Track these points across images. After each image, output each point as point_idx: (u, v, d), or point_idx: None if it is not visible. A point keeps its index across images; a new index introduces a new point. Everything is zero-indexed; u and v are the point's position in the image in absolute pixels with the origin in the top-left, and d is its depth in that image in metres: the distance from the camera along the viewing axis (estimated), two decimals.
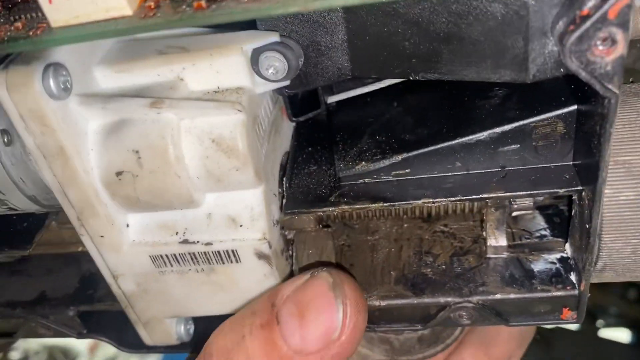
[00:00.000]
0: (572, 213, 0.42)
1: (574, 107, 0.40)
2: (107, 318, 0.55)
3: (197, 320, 0.52)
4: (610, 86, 0.31)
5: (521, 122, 0.41)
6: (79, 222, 0.41)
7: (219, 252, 0.42)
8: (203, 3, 0.31)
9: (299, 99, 0.50)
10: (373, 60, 0.40)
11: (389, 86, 0.49)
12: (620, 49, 0.29)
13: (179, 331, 0.50)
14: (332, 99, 0.51)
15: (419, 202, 0.42)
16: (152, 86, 0.40)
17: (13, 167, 0.41)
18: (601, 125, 0.33)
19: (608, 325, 1.54)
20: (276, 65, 0.39)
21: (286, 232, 0.47)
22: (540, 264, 0.45)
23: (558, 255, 0.46)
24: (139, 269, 0.44)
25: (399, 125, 0.46)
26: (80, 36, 0.32)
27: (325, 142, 0.49)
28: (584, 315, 0.44)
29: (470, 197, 0.42)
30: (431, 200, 0.42)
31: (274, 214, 0.44)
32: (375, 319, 0.47)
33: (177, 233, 0.43)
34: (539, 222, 0.48)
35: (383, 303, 0.45)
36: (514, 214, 0.48)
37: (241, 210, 0.42)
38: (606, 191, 0.38)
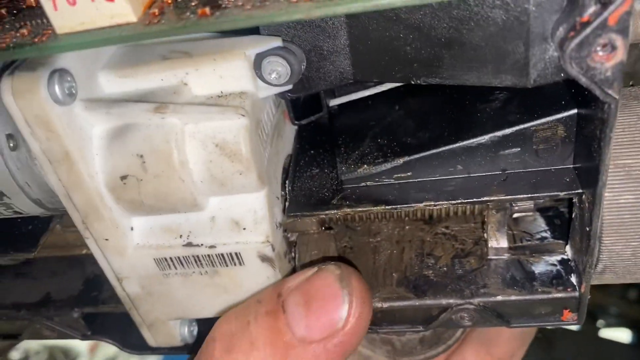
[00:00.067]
0: (573, 216, 0.42)
1: (574, 111, 0.40)
2: (111, 320, 0.56)
3: (200, 322, 0.52)
4: (610, 91, 0.31)
5: (522, 126, 0.41)
6: (83, 225, 0.42)
7: (222, 254, 0.43)
8: (207, 10, 0.31)
9: (301, 103, 0.50)
10: (375, 65, 0.41)
11: (390, 90, 0.49)
12: (620, 55, 0.30)
13: (183, 333, 0.50)
14: (334, 103, 0.51)
15: (421, 205, 0.43)
16: (155, 91, 0.40)
17: (19, 172, 0.41)
18: (601, 129, 0.34)
19: (609, 325, 1.55)
20: (279, 69, 0.40)
21: (289, 235, 0.48)
22: (541, 266, 0.46)
23: (559, 257, 0.46)
24: (143, 271, 0.45)
25: (400, 128, 0.46)
26: (86, 43, 0.33)
27: (327, 145, 0.50)
28: (585, 317, 0.45)
29: (471, 200, 0.42)
30: (433, 203, 0.43)
31: (276, 216, 0.44)
32: (377, 320, 0.47)
33: (181, 236, 0.43)
34: (540, 224, 0.49)
35: (385, 305, 0.46)
36: (515, 215, 0.48)
37: (244, 214, 0.42)
38: (606, 194, 0.38)
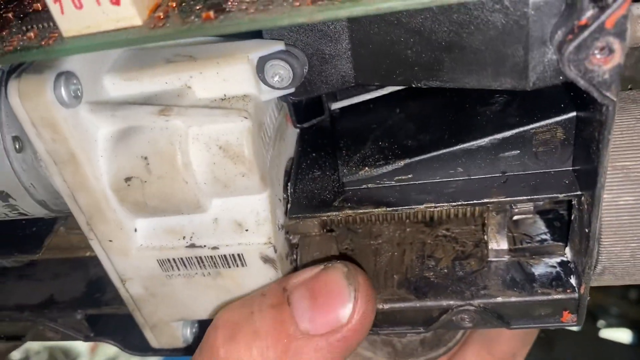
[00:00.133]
0: (572, 217, 0.43)
1: (573, 113, 0.40)
2: (113, 321, 0.56)
3: (203, 323, 0.52)
4: (608, 94, 0.31)
5: (521, 129, 0.42)
6: (88, 227, 0.42)
7: (225, 256, 0.43)
8: (211, 14, 0.32)
9: (303, 106, 0.50)
10: (376, 68, 0.41)
11: (391, 93, 0.50)
12: (618, 57, 0.30)
13: (185, 334, 0.51)
14: (336, 106, 0.52)
15: (422, 206, 0.43)
16: (160, 94, 0.41)
17: (24, 173, 0.41)
18: (599, 131, 0.34)
19: (609, 325, 1.54)
20: (281, 73, 0.40)
21: (291, 237, 0.48)
22: (540, 268, 0.46)
23: (558, 259, 0.46)
24: (146, 273, 0.45)
25: (401, 131, 0.47)
26: (92, 46, 0.33)
27: (328, 148, 0.50)
28: (584, 318, 0.45)
29: (471, 201, 0.43)
30: (433, 205, 0.43)
31: (279, 218, 0.45)
32: (378, 322, 0.47)
33: (184, 237, 0.43)
34: (540, 227, 0.49)
35: (386, 306, 0.46)
36: (515, 217, 0.49)
37: (247, 215, 0.43)
38: (605, 196, 0.39)
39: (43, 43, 0.34)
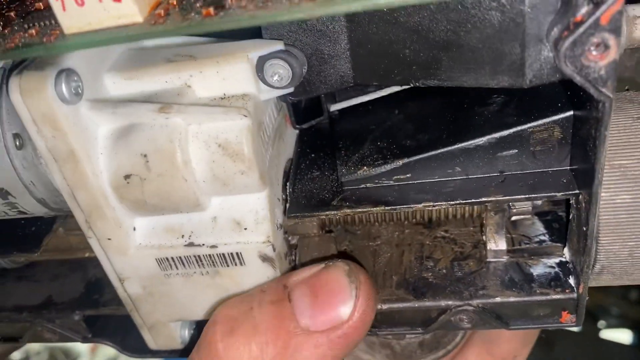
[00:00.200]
0: (570, 216, 0.43)
1: (570, 112, 0.41)
2: (112, 323, 0.56)
3: (201, 324, 0.52)
4: (604, 90, 0.32)
5: (519, 128, 0.42)
6: (87, 224, 0.42)
7: (223, 254, 0.43)
8: (211, 10, 0.32)
9: (302, 107, 0.51)
10: (374, 68, 0.41)
11: (390, 94, 0.50)
12: (613, 53, 0.31)
13: (183, 335, 0.51)
14: (335, 107, 0.52)
15: (420, 205, 0.43)
16: (160, 93, 0.41)
17: (24, 171, 0.42)
18: (596, 128, 0.34)
19: (609, 326, 1.54)
20: (280, 72, 0.41)
21: (289, 238, 0.48)
22: (539, 268, 0.46)
23: (557, 260, 0.46)
24: (145, 272, 0.45)
25: (400, 131, 0.47)
26: (93, 42, 0.33)
27: (327, 149, 0.51)
28: (583, 319, 0.45)
29: (469, 200, 0.43)
30: (431, 204, 0.43)
31: (277, 217, 0.45)
32: (377, 322, 0.47)
33: (182, 236, 0.44)
34: (538, 228, 0.49)
35: (385, 306, 0.46)
36: (513, 219, 0.49)
37: (246, 214, 0.43)
38: (602, 194, 0.39)
39: (44, 40, 0.34)
